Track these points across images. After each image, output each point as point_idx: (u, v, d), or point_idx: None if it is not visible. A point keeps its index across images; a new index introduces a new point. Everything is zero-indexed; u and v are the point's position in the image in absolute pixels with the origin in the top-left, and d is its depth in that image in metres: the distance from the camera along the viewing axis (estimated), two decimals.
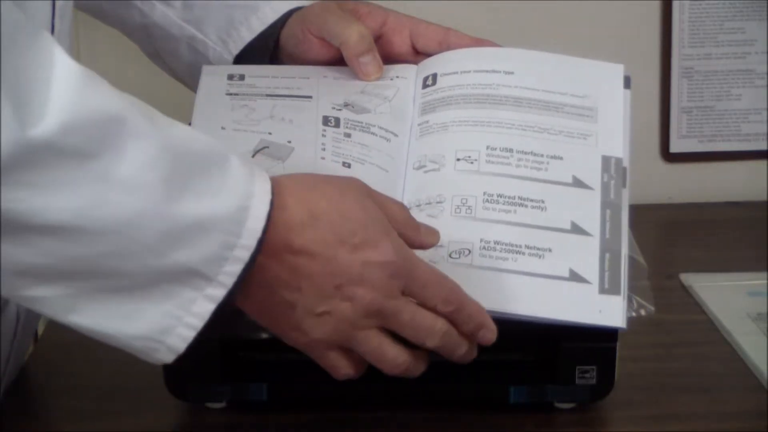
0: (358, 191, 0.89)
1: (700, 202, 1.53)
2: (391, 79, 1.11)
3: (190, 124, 1.06)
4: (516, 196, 0.99)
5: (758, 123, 1.52)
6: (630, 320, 0.97)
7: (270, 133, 1.05)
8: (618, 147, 1.03)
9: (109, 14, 1.22)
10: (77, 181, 0.77)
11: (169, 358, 0.85)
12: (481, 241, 0.97)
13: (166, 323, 0.83)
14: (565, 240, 0.98)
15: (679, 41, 1.51)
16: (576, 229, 0.99)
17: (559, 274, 0.97)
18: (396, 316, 0.89)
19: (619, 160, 1.02)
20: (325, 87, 1.10)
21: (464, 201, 0.99)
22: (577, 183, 1.01)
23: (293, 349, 1.01)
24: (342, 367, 0.91)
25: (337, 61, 1.12)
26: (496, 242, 0.98)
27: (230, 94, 1.09)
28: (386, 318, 0.88)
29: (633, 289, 0.99)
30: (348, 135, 1.05)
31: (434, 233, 0.94)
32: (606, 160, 1.02)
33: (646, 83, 1.51)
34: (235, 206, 0.82)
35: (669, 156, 1.54)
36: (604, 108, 1.05)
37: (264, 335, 0.98)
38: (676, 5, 1.50)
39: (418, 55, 1.13)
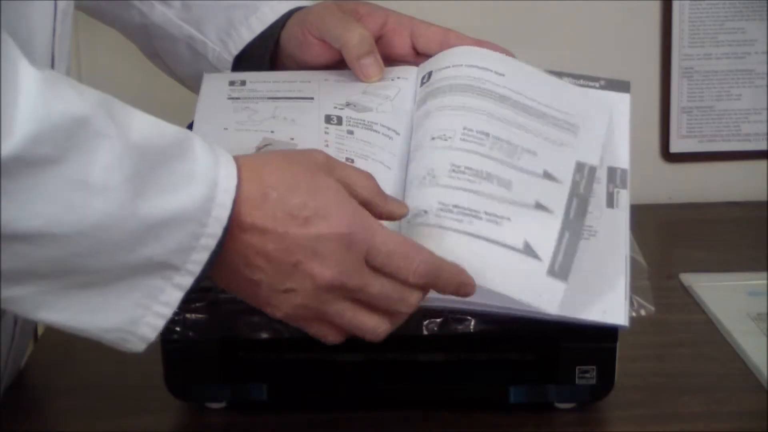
0: (311, 162, 0.88)
1: (700, 202, 1.53)
2: (392, 80, 1.11)
3: (191, 126, 1.06)
4: (484, 171, 0.98)
5: (758, 123, 1.53)
6: (630, 320, 0.97)
7: (272, 132, 1.05)
8: (595, 157, 1.02)
9: (108, 15, 1.22)
10: (46, 188, 0.78)
11: (140, 347, 0.85)
12: (439, 203, 0.96)
13: (135, 314, 0.84)
14: (526, 213, 0.96)
15: (679, 41, 1.51)
16: (539, 207, 0.97)
17: (513, 244, 0.95)
18: (363, 290, 0.87)
19: (593, 168, 1.01)
20: (326, 89, 1.10)
21: (430, 171, 0.98)
22: (547, 176, 1.00)
23: (293, 349, 1.01)
24: (327, 336, 0.90)
25: (338, 62, 1.12)
26: (455, 206, 0.96)
27: (232, 98, 1.09)
28: (353, 292, 0.87)
29: (633, 289, 0.99)
30: (351, 132, 1.05)
31: (403, 206, 0.93)
32: (580, 165, 1.01)
33: (646, 83, 1.51)
34: (201, 197, 0.83)
35: (669, 156, 1.54)
36: (586, 128, 1.04)
37: (264, 335, 0.98)
38: (676, 5, 1.50)
39: (418, 56, 1.13)
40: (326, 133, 1.05)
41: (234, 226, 0.84)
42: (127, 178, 0.80)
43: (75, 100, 0.80)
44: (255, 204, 0.85)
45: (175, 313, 0.86)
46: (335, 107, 1.08)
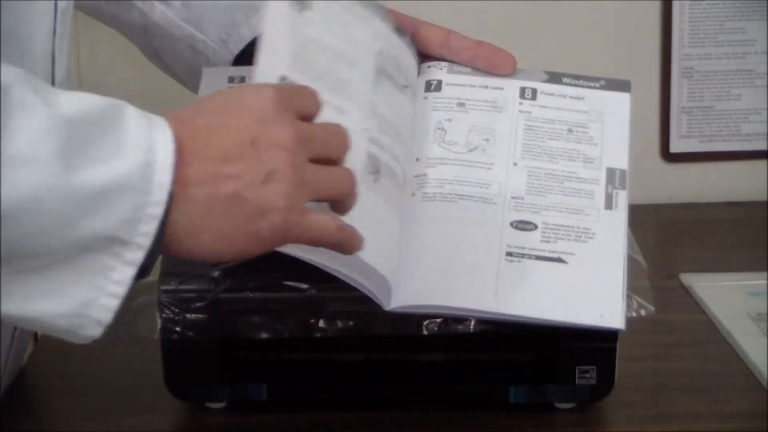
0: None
1: (700, 202, 1.53)
2: None
3: None
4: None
5: (758, 123, 1.53)
6: (630, 320, 0.97)
7: None
8: None
9: (108, 15, 1.21)
10: None
11: (97, 332, 0.82)
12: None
13: (87, 295, 0.80)
14: None
15: (679, 41, 1.51)
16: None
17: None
18: (313, 138, 0.86)
19: None
20: None
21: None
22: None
23: (293, 349, 1.01)
24: (327, 221, 0.86)
25: None
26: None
27: None
28: (311, 143, 0.85)
29: (633, 289, 0.99)
30: None
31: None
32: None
33: (646, 83, 1.51)
34: (139, 164, 0.79)
35: (669, 156, 1.54)
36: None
37: (264, 335, 0.98)
38: (676, 5, 1.50)
39: (419, 56, 1.13)
40: None
41: (186, 166, 0.81)
42: (58, 148, 0.76)
43: None
44: (189, 137, 0.82)
45: (175, 313, 0.86)
46: None
